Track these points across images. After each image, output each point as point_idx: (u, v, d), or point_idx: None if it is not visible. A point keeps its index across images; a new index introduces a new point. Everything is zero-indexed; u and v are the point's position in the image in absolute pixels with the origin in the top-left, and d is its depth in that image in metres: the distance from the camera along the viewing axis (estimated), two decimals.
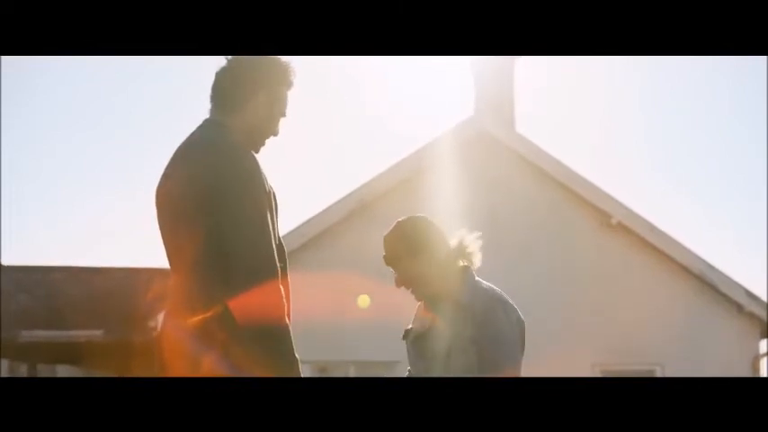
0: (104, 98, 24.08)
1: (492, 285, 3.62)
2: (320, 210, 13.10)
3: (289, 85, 3.52)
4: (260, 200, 3.19)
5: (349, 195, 13.11)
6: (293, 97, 3.53)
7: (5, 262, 15.78)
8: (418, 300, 3.71)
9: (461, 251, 3.65)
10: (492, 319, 3.47)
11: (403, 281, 3.66)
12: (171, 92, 25.09)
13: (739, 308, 13.48)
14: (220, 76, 3.47)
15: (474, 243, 3.67)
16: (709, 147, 23.42)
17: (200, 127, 3.43)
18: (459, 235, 3.68)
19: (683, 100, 22.26)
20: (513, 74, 13.85)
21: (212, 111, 3.46)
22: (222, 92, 3.45)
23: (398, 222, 3.69)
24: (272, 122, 3.49)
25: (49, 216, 25.89)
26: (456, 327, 3.51)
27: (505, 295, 3.58)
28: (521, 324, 3.56)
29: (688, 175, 23.06)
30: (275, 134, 3.51)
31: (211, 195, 3.16)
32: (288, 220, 13.60)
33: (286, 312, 3.17)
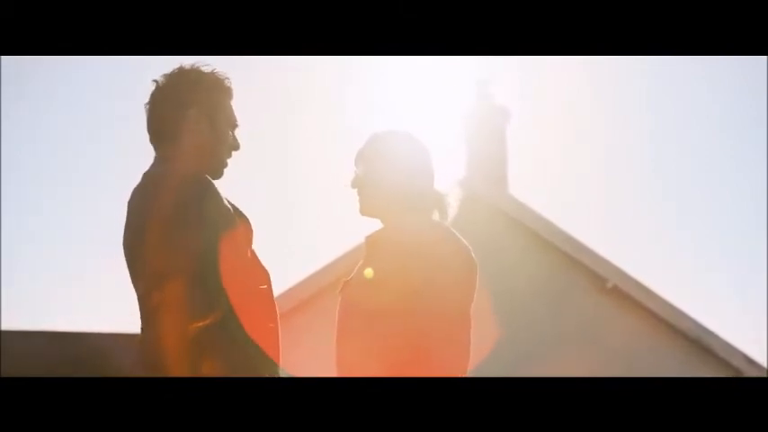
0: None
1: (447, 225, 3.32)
2: (310, 273, 12.94)
3: (224, 91, 3.26)
4: (202, 231, 3.02)
5: (332, 264, 12.90)
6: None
7: None
8: (362, 212, 3.37)
9: (440, 199, 3.34)
10: (433, 246, 3.16)
11: (363, 182, 3.33)
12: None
13: (737, 373, 13.30)
14: (146, 113, 3.25)
15: (451, 200, 3.38)
16: (709, 208, 23.24)
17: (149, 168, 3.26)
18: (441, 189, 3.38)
19: (680, 158, 22.16)
20: (505, 134, 13.83)
21: (155, 149, 3.25)
22: (154, 126, 3.24)
23: (406, 132, 3.39)
24: (219, 138, 3.23)
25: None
26: (389, 262, 3.18)
27: (458, 234, 3.25)
28: (470, 264, 3.22)
29: (686, 236, 22.92)
30: (234, 148, 3.27)
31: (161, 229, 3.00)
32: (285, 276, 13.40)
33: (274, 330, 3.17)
